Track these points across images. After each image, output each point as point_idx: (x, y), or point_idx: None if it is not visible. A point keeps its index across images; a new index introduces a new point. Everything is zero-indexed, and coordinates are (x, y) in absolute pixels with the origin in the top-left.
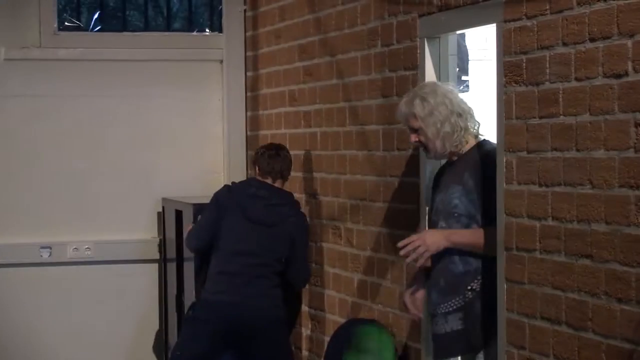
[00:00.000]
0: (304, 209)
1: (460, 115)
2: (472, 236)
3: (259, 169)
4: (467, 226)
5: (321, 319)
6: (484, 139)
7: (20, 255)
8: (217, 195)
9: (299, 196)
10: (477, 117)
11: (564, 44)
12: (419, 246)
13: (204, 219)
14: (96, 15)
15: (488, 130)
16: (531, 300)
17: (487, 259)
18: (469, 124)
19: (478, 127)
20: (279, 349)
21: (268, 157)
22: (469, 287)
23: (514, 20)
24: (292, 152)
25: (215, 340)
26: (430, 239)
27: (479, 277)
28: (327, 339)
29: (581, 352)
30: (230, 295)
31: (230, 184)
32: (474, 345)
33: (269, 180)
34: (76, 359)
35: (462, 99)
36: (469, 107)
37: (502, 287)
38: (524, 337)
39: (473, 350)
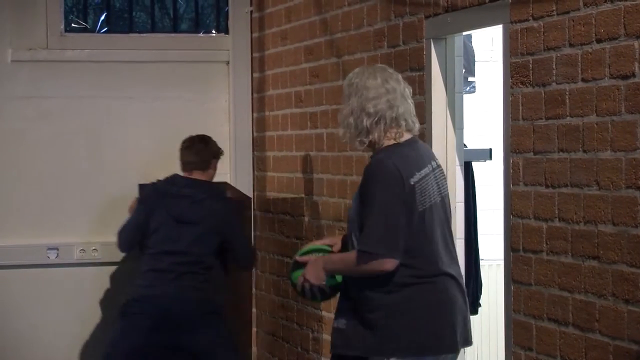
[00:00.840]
0: (310, 209)
1: (369, 115)
2: (341, 263)
3: (180, 165)
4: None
5: (327, 321)
6: (390, 145)
7: (27, 256)
8: (143, 196)
9: (305, 197)
10: (406, 124)
11: (571, 45)
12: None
13: (132, 220)
14: (103, 17)
15: (494, 131)
16: (538, 302)
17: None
18: (379, 127)
19: (398, 136)
20: (215, 341)
21: (184, 150)
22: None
23: (520, 21)
24: (298, 153)
25: (150, 333)
26: (309, 274)
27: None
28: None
29: (588, 353)
30: (160, 288)
31: (156, 182)
32: (359, 348)
33: (191, 174)
34: None
35: (391, 100)
36: (395, 113)
37: (508, 288)
38: (530, 338)
39: (366, 354)
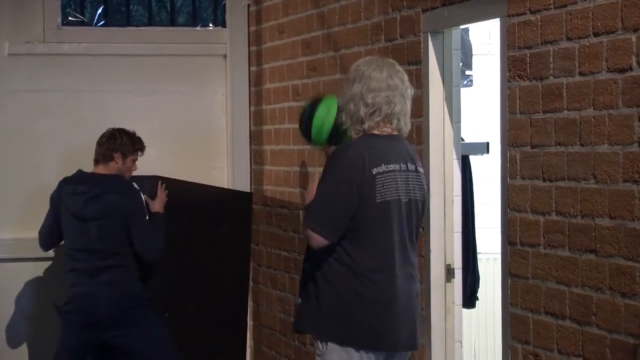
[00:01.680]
0: None
1: (367, 105)
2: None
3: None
4: None
5: None
6: (367, 134)
7: (23, 249)
8: (51, 195)
9: (302, 190)
10: (396, 120)
11: (568, 39)
12: None
13: (45, 222)
14: (100, 10)
15: (492, 125)
16: (535, 295)
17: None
18: (372, 118)
19: (384, 131)
20: (145, 336)
21: (96, 145)
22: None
23: (517, 14)
24: (295, 147)
25: (84, 330)
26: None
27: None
28: None
29: (585, 347)
30: (82, 287)
31: (62, 180)
32: (307, 327)
33: (95, 169)
34: None
35: (390, 96)
36: (391, 110)
37: (506, 281)
38: (527, 331)
39: (311, 333)
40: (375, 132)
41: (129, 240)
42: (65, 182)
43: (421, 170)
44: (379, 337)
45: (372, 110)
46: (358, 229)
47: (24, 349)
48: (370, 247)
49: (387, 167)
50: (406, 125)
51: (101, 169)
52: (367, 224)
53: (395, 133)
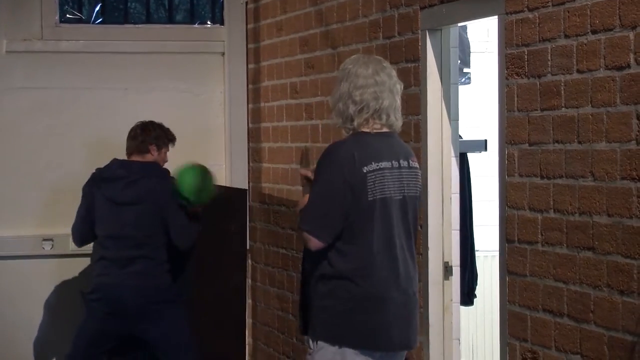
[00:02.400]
0: None
1: (355, 103)
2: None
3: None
4: None
5: None
6: (358, 132)
7: (23, 247)
8: (84, 186)
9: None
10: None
11: (566, 36)
12: None
13: (78, 214)
14: (98, 8)
15: (490, 123)
16: (533, 293)
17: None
18: (361, 115)
19: (375, 128)
20: (168, 333)
21: (129, 139)
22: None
23: (515, 12)
24: (294, 145)
25: (107, 319)
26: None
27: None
28: None
29: (583, 344)
30: (111, 277)
31: (96, 169)
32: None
33: (129, 158)
34: None
35: (378, 92)
36: (379, 105)
37: (504, 279)
38: (525, 329)
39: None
40: (366, 129)
41: (164, 228)
42: (101, 170)
43: (415, 165)
44: (373, 336)
45: (360, 107)
46: (350, 227)
47: (49, 346)
48: (362, 246)
49: (378, 165)
50: (397, 120)
51: (137, 158)
52: (360, 222)
53: (386, 130)
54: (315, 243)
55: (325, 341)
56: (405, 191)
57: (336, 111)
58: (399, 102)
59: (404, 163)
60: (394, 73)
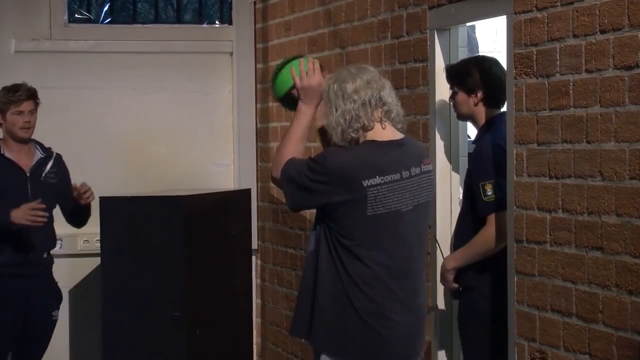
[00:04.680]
0: None
1: (354, 101)
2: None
3: None
4: None
5: None
6: (365, 141)
7: None
8: None
9: None
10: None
11: (575, 36)
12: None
13: None
14: (106, 8)
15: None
16: (541, 293)
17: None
18: (365, 109)
19: (384, 118)
20: None
21: None
22: None
23: (524, 12)
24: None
25: None
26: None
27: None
28: None
29: (592, 344)
30: None
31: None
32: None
33: None
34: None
35: (370, 81)
36: (377, 93)
37: (512, 279)
38: (534, 329)
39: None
40: (376, 137)
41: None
42: None
43: (427, 168)
44: (374, 351)
45: (361, 102)
46: (352, 242)
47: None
48: (364, 260)
49: (382, 179)
50: (398, 106)
51: None
52: (360, 237)
53: (397, 137)
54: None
55: (329, 355)
56: (417, 199)
57: (335, 124)
58: (394, 96)
59: (415, 170)
60: (375, 70)
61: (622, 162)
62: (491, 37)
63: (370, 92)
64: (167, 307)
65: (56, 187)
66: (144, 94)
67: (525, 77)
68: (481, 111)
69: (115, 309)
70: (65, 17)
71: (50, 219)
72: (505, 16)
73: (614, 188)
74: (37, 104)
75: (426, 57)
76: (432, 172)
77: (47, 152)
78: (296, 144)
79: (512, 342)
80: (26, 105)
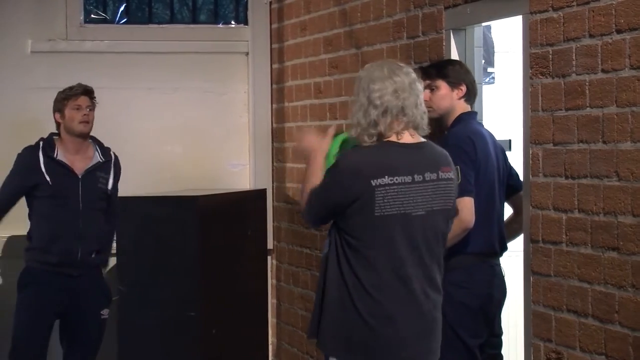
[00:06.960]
0: None
1: (376, 107)
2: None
3: None
4: None
5: None
6: (367, 146)
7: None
8: None
9: None
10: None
11: (591, 36)
12: None
13: None
14: (122, 8)
15: (514, 123)
16: (557, 293)
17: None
18: (385, 119)
19: (401, 129)
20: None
21: None
22: None
23: (540, 11)
24: None
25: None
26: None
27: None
28: None
29: (608, 345)
30: None
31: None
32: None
33: None
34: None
35: (398, 90)
36: (402, 103)
37: (528, 279)
38: (550, 329)
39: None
40: (392, 138)
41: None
42: None
43: (447, 175)
44: (380, 355)
45: (382, 110)
46: (359, 242)
47: None
48: (371, 262)
49: (391, 180)
50: (422, 119)
51: None
52: (367, 237)
53: (415, 141)
54: (306, 220)
55: (335, 357)
56: (432, 205)
57: (355, 122)
58: (422, 99)
59: (431, 176)
60: (411, 71)
61: (639, 162)
62: (507, 37)
63: (394, 102)
64: (182, 307)
65: (107, 191)
66: (159, 94)
67: (541, 77)
68: (460, 107)
69: (130, 309)
70: (81, 17)
71: (100, 220)
72: (521, 16)
73: (630, 188)
74: (94, 103)
75: (442, 57)
76: (452, 181)
77: (106, 155)
78: (316, 176)
79: (528, 342)
80: (83, 100)
